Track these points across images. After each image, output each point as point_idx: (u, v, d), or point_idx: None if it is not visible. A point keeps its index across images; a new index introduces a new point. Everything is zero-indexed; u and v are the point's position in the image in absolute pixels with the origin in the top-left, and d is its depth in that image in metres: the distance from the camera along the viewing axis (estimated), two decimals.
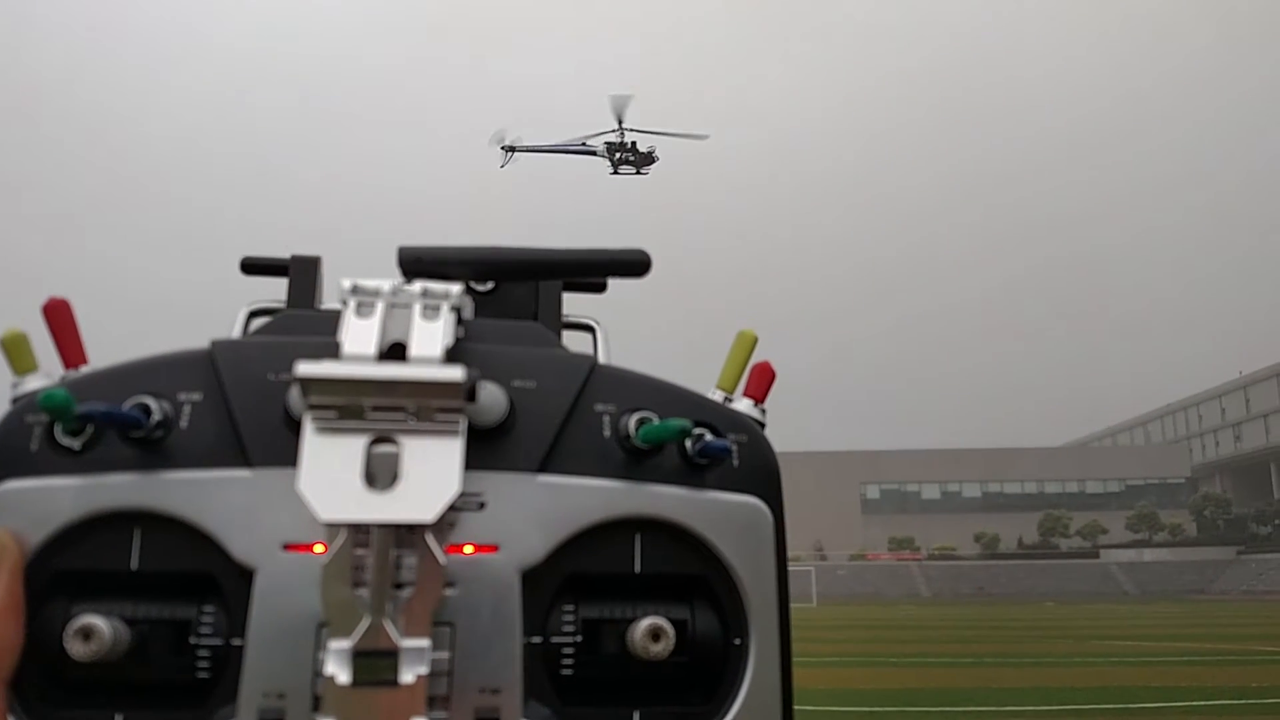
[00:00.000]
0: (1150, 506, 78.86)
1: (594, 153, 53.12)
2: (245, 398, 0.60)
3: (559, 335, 0.96)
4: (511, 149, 52.91)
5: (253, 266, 1.21)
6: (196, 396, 0.60)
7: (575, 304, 1.07)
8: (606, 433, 0.63)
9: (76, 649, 0.52)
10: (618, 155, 52.21)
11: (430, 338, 0.57)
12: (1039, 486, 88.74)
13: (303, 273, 1.13)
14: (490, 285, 0.95)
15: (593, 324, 1.12)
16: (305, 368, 0.52)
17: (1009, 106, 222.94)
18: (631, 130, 51.23)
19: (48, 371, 0.65)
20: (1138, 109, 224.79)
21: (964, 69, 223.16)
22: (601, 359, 0.78)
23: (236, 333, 1.09)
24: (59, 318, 0.67)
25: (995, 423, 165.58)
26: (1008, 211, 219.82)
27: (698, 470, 0.63)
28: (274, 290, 1.15)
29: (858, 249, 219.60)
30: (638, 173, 52.70)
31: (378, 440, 0.53)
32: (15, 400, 0.62)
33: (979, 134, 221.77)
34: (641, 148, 52.09)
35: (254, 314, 1.14)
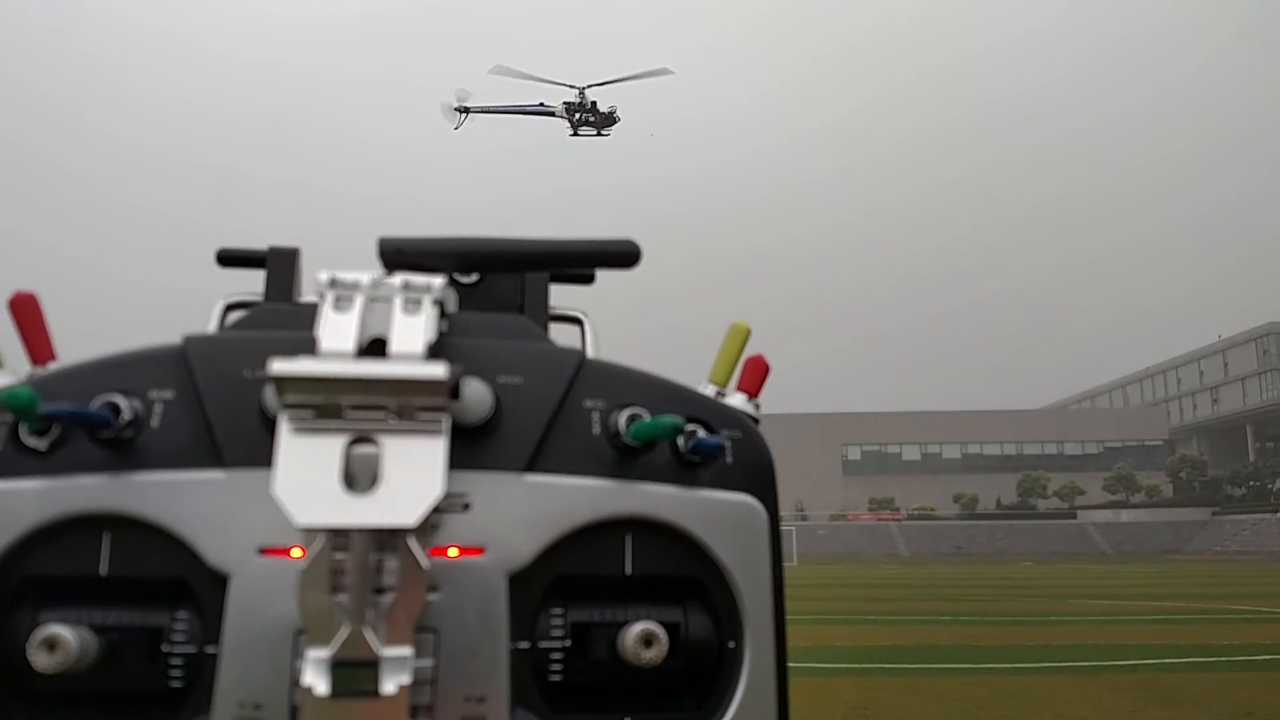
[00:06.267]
0: (1128, 468, 79.68)
1: (552, 113, 51.26)
2: (219, 395, 0.57)
3: (546, 328, 0.94)
4: (466, 110, 51.01)
5: (229, 258, 1.16)
6: (168, 394, 0.58)
7: (562, 295, 1.04)
8: (596, 430, 0.61)
9: (41, 661, 0.50)
10: (577, 116, 50.32)
11: (412, 333, 0.54)
12: (1018, 448, 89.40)
13: (281, 265, 1.09)
14: (475, 277, 0.93)
15: (580, 316, 1.10)
16: (280, 365, 0.49)
17: (993, 90, 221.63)
18: (591, 86, 49.34)
19: (14, 369, 0.62)
20: (1114, 87, 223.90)
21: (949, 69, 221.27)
22: (590, 352, 0.77)
23: (212, 327, 1.06)
24: (26, 312, 0.65)
25: (975, 383, 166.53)
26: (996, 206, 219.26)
27: (690, 468, 0.62)
28: (251, 283, 1.11)
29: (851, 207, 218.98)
30: (598, 134, 50.75)
31: (357, 440, 0.51)
32: None
33: (965, 121, 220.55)
34: (602, 108, 50.20)
35: (230, 307, 1.10)
